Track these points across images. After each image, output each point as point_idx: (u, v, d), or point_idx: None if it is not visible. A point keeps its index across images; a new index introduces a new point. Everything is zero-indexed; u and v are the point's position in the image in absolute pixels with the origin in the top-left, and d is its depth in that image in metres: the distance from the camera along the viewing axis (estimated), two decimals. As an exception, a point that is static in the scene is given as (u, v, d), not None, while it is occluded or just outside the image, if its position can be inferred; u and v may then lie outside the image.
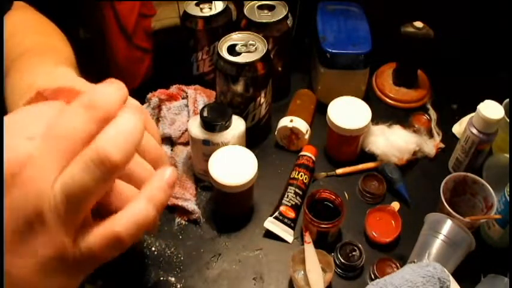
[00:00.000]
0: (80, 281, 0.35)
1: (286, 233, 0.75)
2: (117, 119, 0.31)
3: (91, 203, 0.31)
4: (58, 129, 0.31)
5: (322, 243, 0.72)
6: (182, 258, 0.73)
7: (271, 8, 0.87)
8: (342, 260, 0.70)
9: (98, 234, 0.31)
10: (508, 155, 0.80)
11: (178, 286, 0.70)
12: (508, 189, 0.69)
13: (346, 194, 0.81)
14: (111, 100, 0.31)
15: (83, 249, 0.31)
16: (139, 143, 0.31)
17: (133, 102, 0.40)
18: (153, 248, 0.74)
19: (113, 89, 0.32)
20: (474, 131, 0.76)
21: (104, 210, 0.34)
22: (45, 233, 0.30)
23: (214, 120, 0.74)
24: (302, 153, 0.84)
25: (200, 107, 0.79)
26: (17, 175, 0.30)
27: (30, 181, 0.30)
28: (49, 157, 0.30)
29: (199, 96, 0.85)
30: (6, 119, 0.33)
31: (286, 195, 0.78)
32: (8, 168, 0.30)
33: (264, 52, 0.77)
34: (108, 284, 0.69)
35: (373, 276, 0.69)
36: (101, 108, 0.31)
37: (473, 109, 0.76)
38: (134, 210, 0.32)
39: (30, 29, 0.62)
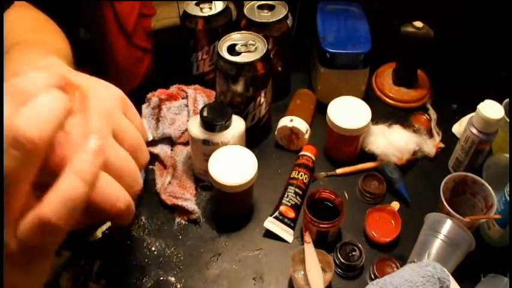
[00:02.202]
0: (41, 277, 0.33)
1: (286, 233, 0.75)
2: (34, 98, 0.29)
3: (20, 187, 0.29)
4: None
5: (322, 243, 0.72)
6: (182, 258, 0.73)
7: (271, 7, 0.87)
8: (342, 260, 0.70)
9: (28, 220, 0.29)
10: (508, 155, 0.80)
11: (178, 286, 0.70)
12: (508, 189, 0.69)
13: (346, 194, 0.81)
14: (31, 82, 0.31)
15: (19, 239, 0.29)
16: (60, 120, 0.30)
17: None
18: (153, 248, 0.74)
19: (38, 73, 0.31)
20: (474, 130, 0.76)
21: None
22: None
23: (214, 120, 0.74)
24: (302, 153, 0.84)
25: (200, 107, 0.79)
26: None
27: None
28: None
29: (199, 96, 0.85)
30: None
31: (286, 195, 0.78)
32: None
33: (264, 52, 0.77)
34: (111, 283, 0.69)
35: (373, 276, 0.69)
36: (19, 89, 0.30)
37: (473, 109, 0.76)
38: (61, 188, 0.29)
39: (25, 26, 0.61)
